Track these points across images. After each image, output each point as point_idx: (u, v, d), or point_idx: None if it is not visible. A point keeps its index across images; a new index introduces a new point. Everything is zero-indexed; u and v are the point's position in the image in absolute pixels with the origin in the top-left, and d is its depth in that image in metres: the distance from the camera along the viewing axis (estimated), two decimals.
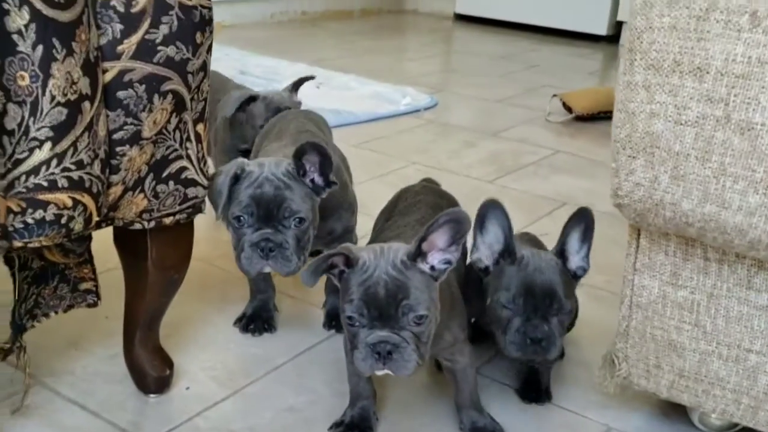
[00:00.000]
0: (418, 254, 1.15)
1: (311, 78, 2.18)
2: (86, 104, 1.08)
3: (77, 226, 1.12)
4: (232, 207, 1.44)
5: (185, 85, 1.21)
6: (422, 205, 1.53)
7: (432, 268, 1.16)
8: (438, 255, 1.16)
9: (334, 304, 1.73)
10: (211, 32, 1.24)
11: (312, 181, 1.47)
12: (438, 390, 1.55)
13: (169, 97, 1.18)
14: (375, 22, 6.13)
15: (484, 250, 1.42)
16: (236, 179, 1.44)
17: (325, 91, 3.63)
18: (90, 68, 1.08)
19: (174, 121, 1.22)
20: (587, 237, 1.41)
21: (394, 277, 1.12)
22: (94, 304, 1.44)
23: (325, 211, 1.54)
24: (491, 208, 1.39)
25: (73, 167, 1.08)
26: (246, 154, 2.04)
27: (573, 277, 1.42)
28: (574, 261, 1.42)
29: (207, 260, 2.00)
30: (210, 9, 1.23)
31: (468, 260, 1.58)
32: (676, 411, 1.49)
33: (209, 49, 1.25)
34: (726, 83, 1.07)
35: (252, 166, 1.45)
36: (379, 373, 1.16)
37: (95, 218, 1.15)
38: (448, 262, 1.16)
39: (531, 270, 1.37)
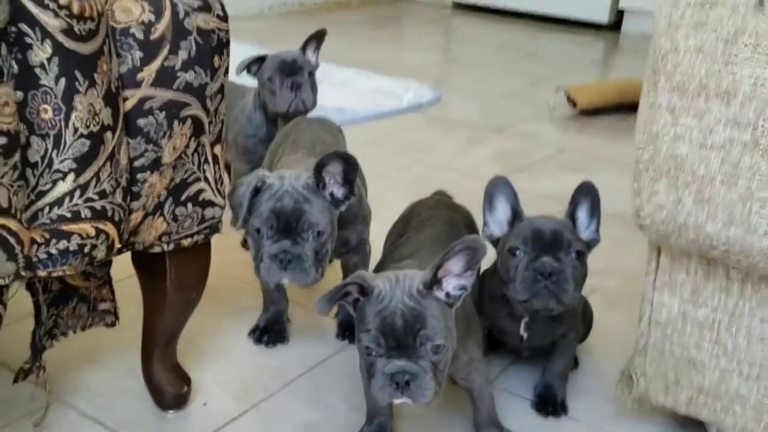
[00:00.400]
0: (434, 282, 1.15)
1: (322, 34, 2.14)
2: (108, 134, 1.07)
3: (100, 254, 1.12)
4: (253, 219, 1.45)
5: (204, 109, 1.21)
6: (437, 221, 1.53)
7: (447, 294, 1.16)
8: (453, 281, 1.16)
9: (346, 314, 1.73)
10: (228, 54, 1.24)
11: (331, 194, 1.49)
12: (455, 406, 1.55)
13: (189, 122, 1.19)
14: (373, 12, 6.10)
15: (494, 227, 1.47)
16: (257, 191, 1.45)
17: (327, 87, 3.61)
18: (111, 98, 1.07)
19: (192, 145, 1.22)
20: (595, 211, 1.42)
21: (411, 307, 1.12)
22: (112, 324, 1.45)
23: (341, 222, 1.53)
24: (497, 185, 1.44)
25: (96, 197, 1.07)
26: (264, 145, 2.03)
27: (586, 246, 1.44)
28: (585, 234, 1.44)
29: (219, 268, 1.98)
30: (227, 32, 1.23)
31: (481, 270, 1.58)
32: (693, 424, 1.50)
33: (226, 71, 1.25)
34: (755, 107, 1.06)
35: (272, 178, 1.46)
36: (397, 401, 1.15)
37: (117, 245, 1.15)
38: (464, 288, 1.16)
39: (539, 219, 1.41)
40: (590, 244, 1.44)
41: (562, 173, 2.82)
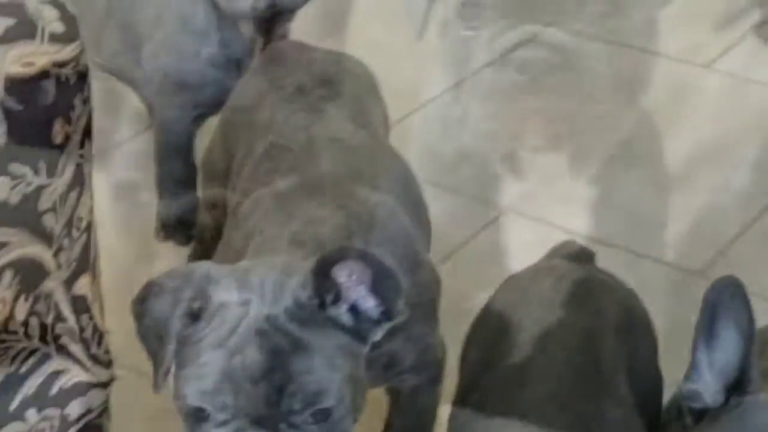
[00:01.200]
0: None
1: None
2: None
3: None
4: (185, 381, 1.23)
5: (42, 237, 1.13)
6: (558, 350, 1.36)
7: None
8: None
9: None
10: (88, 100, 1.15)
11: (352, 308, 1.25)
12: None
13: (8, 276, 1.12)
14: None
15: (709, 377, 1.27)
16: (193, 317, 1.22)
17: None
18: None
19: (24, 306, 1.14)
20: None
21: None
22: None
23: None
24: (729, 299, 1.23)
25: None
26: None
27: None
28: None
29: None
30: (78, 60, 1.11)
31: None
32: None
33: (87, 134, 1.16)
34: None
35: (225, 288, 1.23)
36: None
37: None
38: None
39: None
40: None
41: None
